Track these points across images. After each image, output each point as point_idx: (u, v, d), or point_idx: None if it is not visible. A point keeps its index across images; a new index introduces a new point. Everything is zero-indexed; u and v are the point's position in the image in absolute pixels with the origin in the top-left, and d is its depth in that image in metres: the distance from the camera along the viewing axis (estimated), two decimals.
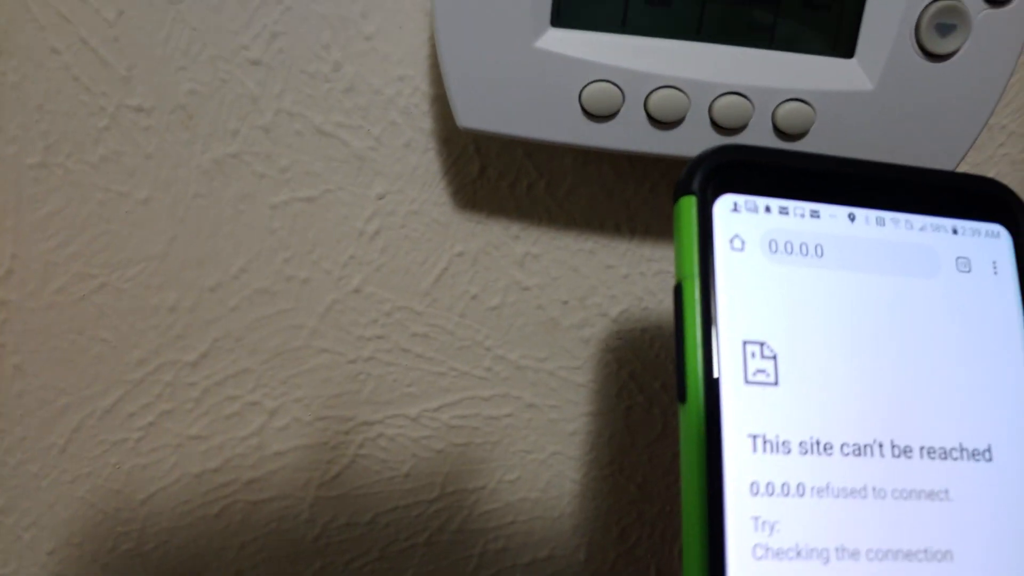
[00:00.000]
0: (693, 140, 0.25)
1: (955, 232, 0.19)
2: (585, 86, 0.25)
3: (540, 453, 0.32)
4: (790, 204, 0.18)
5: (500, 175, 0.29)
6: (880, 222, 0.19)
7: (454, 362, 0.31)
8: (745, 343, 0.17)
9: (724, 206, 0.18)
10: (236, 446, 0.31)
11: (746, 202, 0.18)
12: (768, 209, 0.18)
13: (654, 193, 0.29)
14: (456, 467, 0.32)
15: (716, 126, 0.25)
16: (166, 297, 0.29)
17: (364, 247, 0.29)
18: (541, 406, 0.31)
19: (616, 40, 0.25)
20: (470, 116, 0.25)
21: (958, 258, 0.19)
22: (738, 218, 0.18)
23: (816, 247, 0.18)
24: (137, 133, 0.28)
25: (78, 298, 0.29)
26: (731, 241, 0.18)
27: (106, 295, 0.29)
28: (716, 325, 0.17)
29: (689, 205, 0.17)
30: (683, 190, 0.18)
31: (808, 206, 0.18)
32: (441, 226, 0.29)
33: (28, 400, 0.30)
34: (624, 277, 0.30)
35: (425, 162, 0.28)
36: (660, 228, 0.29)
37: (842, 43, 0.25)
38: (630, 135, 0.25)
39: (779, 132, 0.25)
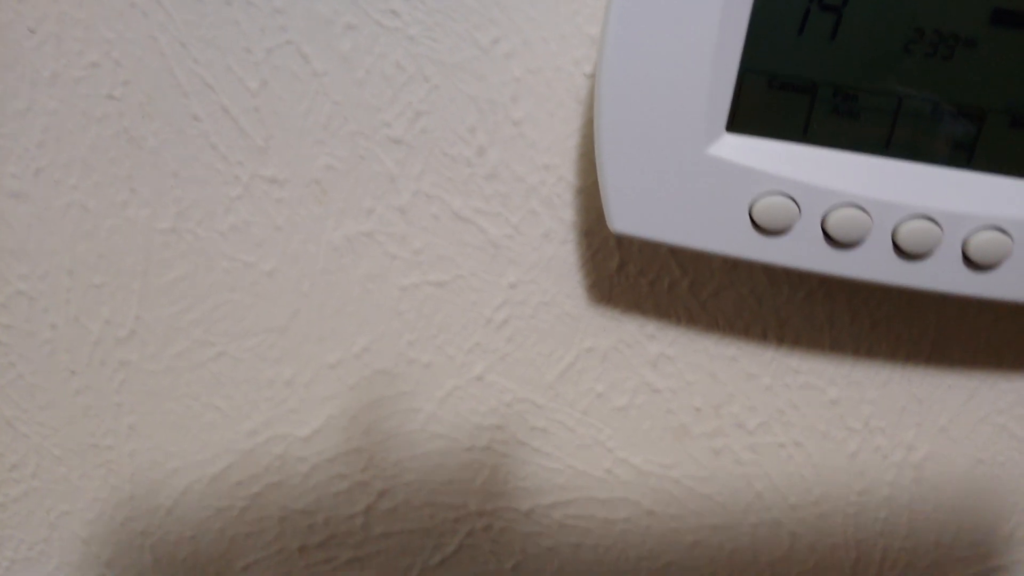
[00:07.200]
0: (871, 263, 0.23)
1: None
2: (758, 198, 0.23)
3: (655, 562, 0.30)
4: None
5: (640, 272, 0.27)
6: None
7: (572, 460, 0.29)
8: None
9: None
10: (341, 523, 0.30)
11: None
12: None
13: (809, 301, 0.27)
14: (565, 567, 0.30)
15: (899, 250, 0.23)
16: (283, 370, 0.29)
17: (491, 335, 0.28)
18: (661, 514, 0.29)
19: (796, 150, 0.23)
20: (625, 220, 0.23)
21: None
22: None
23: None
24: (269, 204, 0.27)
25: (196, 364, 0.29)
26: None
27: (223, 364, 0.29)
28: None
29: None
30: None
31: None
32: (572, 319, 0.28)
33: (139, 460, 0.30)
34: (766, 388, 0.28)
35: (562, 253, 0.27)
36: (811, 338, 0.27)
37: None
38: (802, 253, 0.23)
39: (968, 262, 0.23)
